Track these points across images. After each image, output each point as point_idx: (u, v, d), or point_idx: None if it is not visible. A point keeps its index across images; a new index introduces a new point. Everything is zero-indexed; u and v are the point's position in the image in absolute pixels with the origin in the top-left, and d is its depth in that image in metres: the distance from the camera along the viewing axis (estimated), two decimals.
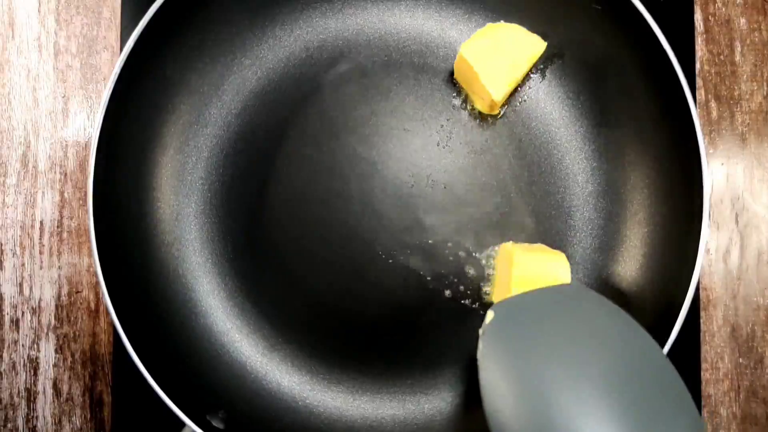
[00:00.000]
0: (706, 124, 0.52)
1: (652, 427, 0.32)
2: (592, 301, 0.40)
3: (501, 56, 0.45)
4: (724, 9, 0.52)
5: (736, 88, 0.52)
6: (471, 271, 0.48)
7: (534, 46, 0.46)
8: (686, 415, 0.33)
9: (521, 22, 0.47)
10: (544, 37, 0.47)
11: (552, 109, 0.49)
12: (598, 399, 0.33)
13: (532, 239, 0.48)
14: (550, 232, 0.48)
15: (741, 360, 0.51)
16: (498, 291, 0.47)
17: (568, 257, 0.48)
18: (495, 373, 0.37)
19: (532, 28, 0.47)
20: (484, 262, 0.48)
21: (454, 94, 0.49)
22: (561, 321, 0.38)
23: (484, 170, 0.49)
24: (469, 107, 0.49)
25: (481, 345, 0.39)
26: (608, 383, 0.34)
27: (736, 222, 0.51)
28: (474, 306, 0.48)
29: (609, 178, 0.48)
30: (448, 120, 0.49)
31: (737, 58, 0.52)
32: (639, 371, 0.35)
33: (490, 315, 0.40)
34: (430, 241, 0.48)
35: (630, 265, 0.47)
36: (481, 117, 0.49)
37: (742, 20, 0.52)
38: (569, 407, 0.33)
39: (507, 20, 0.48)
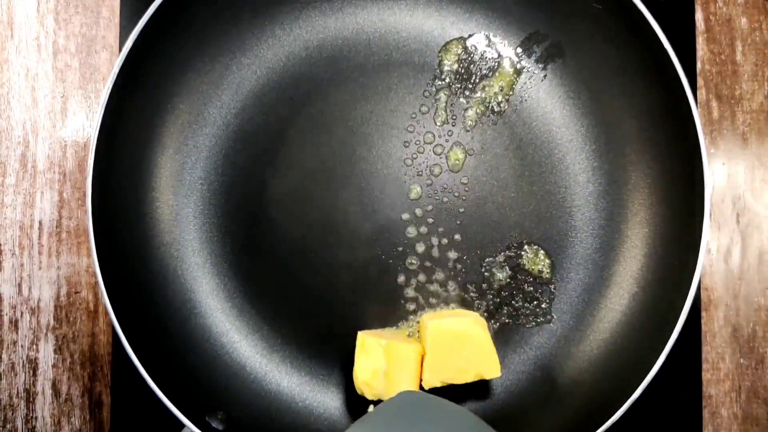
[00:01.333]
0: (707, 123, 0.51)
1: None
2: (443, 407, 0.38)
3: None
4: (725, 8, 0.52)
5: (737, 87, 0.52)
6: (472, 275, 0.48)
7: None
8: None
9: (522, 21, 0.47)
10: (545, 37, 0.47)
11: (553, 108, 0.48)
12: None
13: (532, 239, 0.48)
14: (550, 232, 0.48)
15: (742, 360, 0.51)
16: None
17: (569, 257, 0.48)
18: None
19: (533, 27, 0.47)
20: (485, 264, 0.48)
21: (455, 94, 0.49)
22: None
23: (484, 170, 0.48)
24: (475, 108, 0.48)
25: None
26: None
27: (737, 222, 0.51)
28: (478, 309, 0.48)
29: (610, 178, 0.48)
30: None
31: (738, 57, 0.52)
32: None
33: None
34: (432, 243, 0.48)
35: (631, 265, 0.47)
36: (483, 116, 0.49)
37: (743, 19, 0.52)
38: None
39: (507, 19, 0.48)
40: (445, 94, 0.49)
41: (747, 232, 0.51)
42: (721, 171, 0.51)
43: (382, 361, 0.43)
